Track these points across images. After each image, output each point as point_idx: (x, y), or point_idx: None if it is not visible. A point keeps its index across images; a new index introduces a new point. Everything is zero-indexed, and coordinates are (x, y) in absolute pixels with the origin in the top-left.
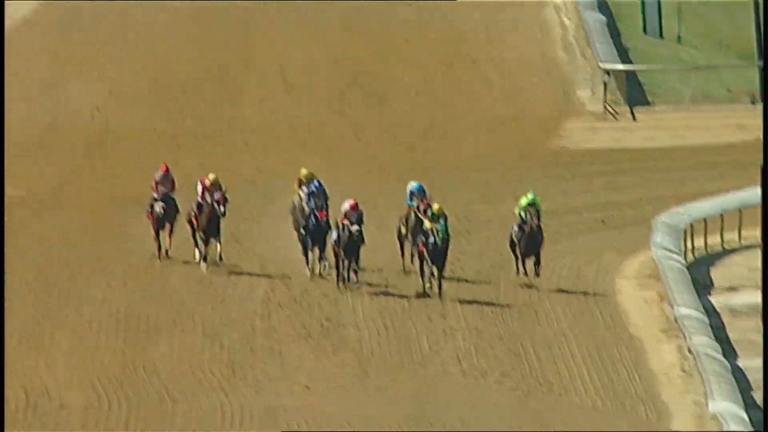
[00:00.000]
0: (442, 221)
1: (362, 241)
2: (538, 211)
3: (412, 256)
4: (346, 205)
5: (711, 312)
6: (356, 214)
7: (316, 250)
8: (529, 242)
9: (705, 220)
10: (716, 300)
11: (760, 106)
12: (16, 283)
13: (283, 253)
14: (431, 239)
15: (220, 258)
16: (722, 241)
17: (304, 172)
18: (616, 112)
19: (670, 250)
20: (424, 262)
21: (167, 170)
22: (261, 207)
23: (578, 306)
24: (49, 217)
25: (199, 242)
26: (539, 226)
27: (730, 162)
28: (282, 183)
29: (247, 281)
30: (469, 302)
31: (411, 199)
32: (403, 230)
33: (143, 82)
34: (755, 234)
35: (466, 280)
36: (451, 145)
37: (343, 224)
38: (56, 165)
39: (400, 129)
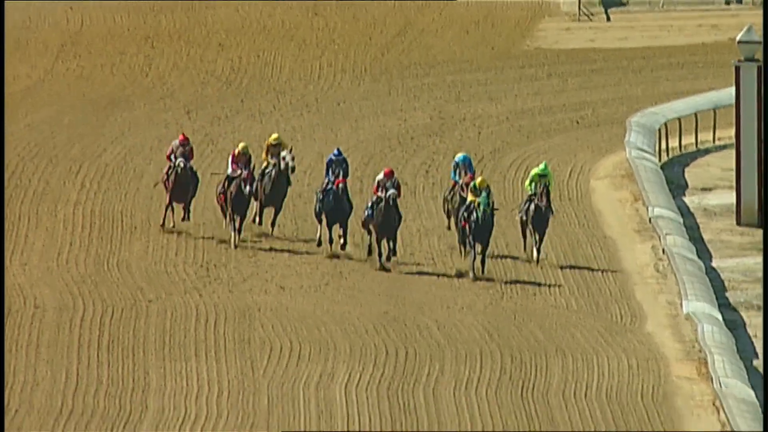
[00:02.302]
0: (484, 194)
1: (399, 215)
2: (547, 186)
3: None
4: (380, 174)
5: (685, 212)
6: (391, 182)
7: (337, 228)
8: (535, 217)
9: (679, 120)
10: (690, 200)
11: (735, 6)
12: None
13: (256, 153)
14: (474, 215)
15: (239, 232)
16: (696, 141)
17: (274, 136)
18: (591, 13)
19: (644, 151)
20: (467, 240)
21: (185, 139)
22: (234, 107)
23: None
24: (22, 117)
25: (228, 218)
26: (548, 206)
27: (704, 62)
28: (256, 83)
29: (221, 179)
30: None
31: (455, 173)
32: (448, 206)
33: None
34: (729, 134)
35: (441, 180)
36: (425, 47)
37: (377, 197)
38: (30, 65)
39: (374, 31)
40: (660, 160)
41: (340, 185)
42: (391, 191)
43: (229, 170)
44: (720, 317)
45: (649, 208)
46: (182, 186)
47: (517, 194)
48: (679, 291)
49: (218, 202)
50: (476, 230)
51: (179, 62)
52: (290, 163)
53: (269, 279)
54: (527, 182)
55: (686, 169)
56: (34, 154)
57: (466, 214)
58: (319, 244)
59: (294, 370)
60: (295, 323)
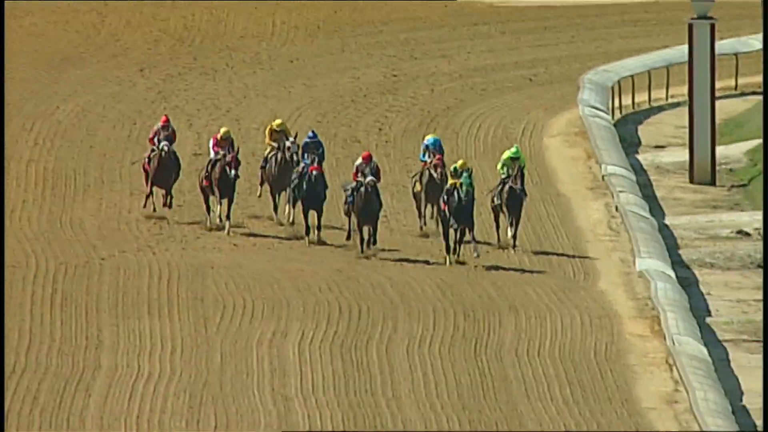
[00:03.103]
0: (465, 175)
1: (379, 199)
2: (521, 168)
3: (435, 217)
4: (359, 159)
5: (638, 170)
6: (369, 167)
7: (313, 214)
8: (508, 201)
9: (632, 78)
10: (643, 158)
11: None
12: None
13: (209, 110)
14: (454, 197)
15: (227, 217)
16: (649, 98)
17: (277, 122)
18: None
19: (598, 108)
20: (449, 224)
21: (167, 121)
22: (187, 64)
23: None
24: None
25: (212, 203)
26: (522, 189)
27: (656, 19)
28: (209, 41)
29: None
30: (397, 160)
31: (424, 155)
32: (418, 188)
33: None
34: (682, 91)
35: (394, 138)
36: (378, 4)
37: (356, 182)
38: None
39: None
40: (613, 117)
41: (314, 173)
42: (369, 178)
43: (211, 154)
44: (673, 275)
45: (602, 166)
46: (165, 170)
47: (470, 151)
48: (632, 248)
49: (200, 186)
50: (457, 211)
51: (132, 19)
52: (294, 151)
53: (222, 237)
54: (499, 165)
55: (639, 127)
56: None
57: (446, 197)
58: (307, 232)
59: (247, 327)
60: (248, 281)
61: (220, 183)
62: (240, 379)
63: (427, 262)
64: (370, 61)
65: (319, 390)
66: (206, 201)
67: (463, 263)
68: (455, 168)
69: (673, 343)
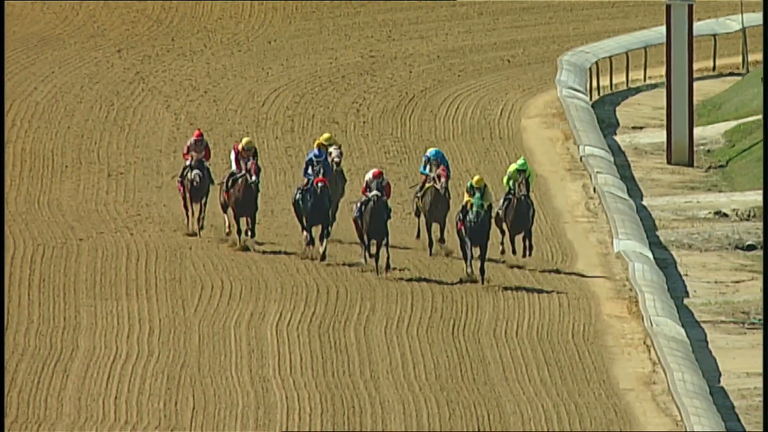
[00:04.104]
0: (477, 194)
1: (387, 213)
2: (527, 180)
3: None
4: (369, 174)
5: (616, 151)
6: (377, 182)
7: (319, 228)
8: (516, 216)
9: (610, 59)
10: (621, 139)
11: None
12: None
13: (187, 91)
14: (469, 216)
15: (251, 233)
16: (627, 80)
17: (325, 135)
18: None
19: (575, 89)
20: (465, 243)
21: (201, 135)
22: (165, 45)
23: (483, 145)
24: None
25: (230, 215)
26: (527, 197)
27: (634, 1)
28: (187, 22)
29: (152, 118)
30: (375, 140)
31: (425, 167)
32: (419, 204)
33: None
34: (660, 73)
35: (371, 118)
36: None
37: (365, 196)
38: None
39: None
40: (591, 98)
41: (320, 184)
42: (374, 192)
43: (233, 166)
44: (650, 255)
45: (580, 147)
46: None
47: (448, 132)
48: (609, 229)
49: (219, 200)
50: (471, 231)
51: (109, 1)
52: (336, 160)
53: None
54: (505, 179)
55: (617, 108)
56: None
57: (461, 215)
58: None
59: (225, 308)
60: (226, 262)
61: (243, 201)
62: (218, 359)
63: (406, 248)
64: (347, 42)
65: (296, 371)
66: (224, 210)
67: (475, 281)
68: (471, 185)
69: (651, 324)
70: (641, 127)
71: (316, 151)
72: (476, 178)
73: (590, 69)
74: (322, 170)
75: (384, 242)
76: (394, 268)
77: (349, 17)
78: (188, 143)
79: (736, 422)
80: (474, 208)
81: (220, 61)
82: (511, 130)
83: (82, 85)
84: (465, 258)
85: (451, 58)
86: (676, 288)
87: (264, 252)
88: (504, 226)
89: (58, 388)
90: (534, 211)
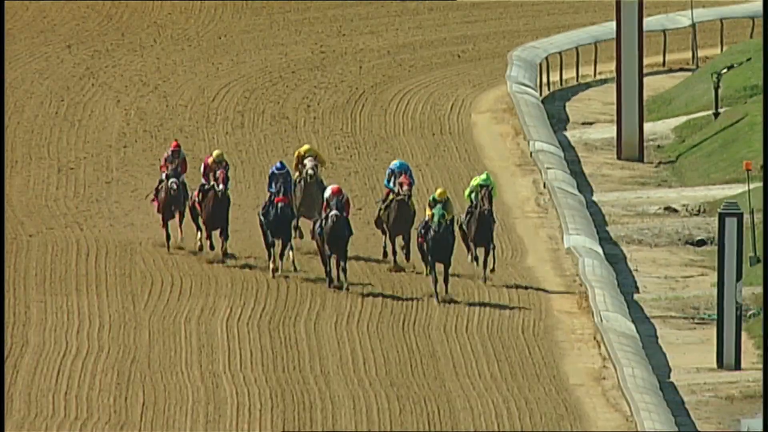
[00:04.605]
0: (439, 206)
1: (348, 231)
2: (490, 193)
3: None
4: (328, 192)
5: (566, 146)
6: (336, 199)
7: (279, 244)
8: (479, 228)
9: (560, 54)
10: (571, 134)
11: None
12: None
13: (137, 87)
14: (429, 230)
15: (225, 254)
16: (577, 75)
17: (305, 147)
18: None
19: (526, 85)
20: (427, 258)
21: (178, 146)
22: (115, 40)
23: (433, 140)
24: None
25: (202, 228)
26: (490, 210)
27: None
28: (137, 17)
29: (102, 114)
30: (325, 136)
31: (389, 180)
32: (383, 217)
33: None
34: (610, 68)
35: (322, 114)
36: None
37: (326, 213)
38: None
39: None
40: (541, 94)
41: (279, 204)
42: (333, 212)
43: (202, 180)
44: (600, 251)
45: (530, 142)
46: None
47: (398, 128)
48: (560, 225)
49: (189, 208)
50: (433, 245)
51: None
52: (309, 172)
53: (151, 213)
54: (467, 192)
55: (567, 104)
56: None
57: (422, 231)
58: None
59: (175, 304)
60: (176, 257)
61: (212, 214)
62: (168, 355)
63: (352, 242)
64: (298, 37)
65: (247, 366)
66: (195, 222)
67: (451, 301)
68: (433, 197)
69: (601, 320)
70: (591, 123)
71: (278, 164)
72: (439, 190)
73: (540, 64)
74: (282, 188)
75: (342, 265)
76: (352, 284)
77: (299, 12)
78: (165, 155)
79: (686, 417)
80: (435, 218)
81: (170, 56)
82: (461, 126)
83: (32, 81)
84: (430, 274)
85: (402, 54)
86: (626, 283)
87: (214, 248)
88: (468, 240)
89: (8, 384)
90: (495, 222)
